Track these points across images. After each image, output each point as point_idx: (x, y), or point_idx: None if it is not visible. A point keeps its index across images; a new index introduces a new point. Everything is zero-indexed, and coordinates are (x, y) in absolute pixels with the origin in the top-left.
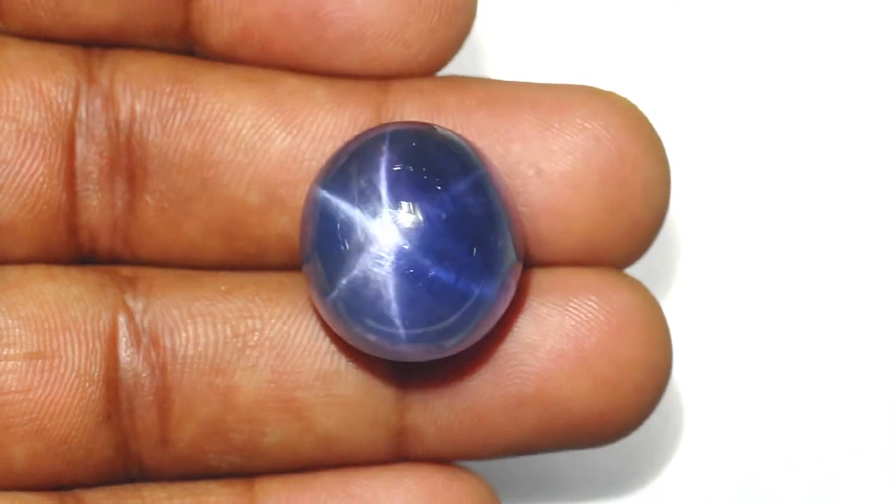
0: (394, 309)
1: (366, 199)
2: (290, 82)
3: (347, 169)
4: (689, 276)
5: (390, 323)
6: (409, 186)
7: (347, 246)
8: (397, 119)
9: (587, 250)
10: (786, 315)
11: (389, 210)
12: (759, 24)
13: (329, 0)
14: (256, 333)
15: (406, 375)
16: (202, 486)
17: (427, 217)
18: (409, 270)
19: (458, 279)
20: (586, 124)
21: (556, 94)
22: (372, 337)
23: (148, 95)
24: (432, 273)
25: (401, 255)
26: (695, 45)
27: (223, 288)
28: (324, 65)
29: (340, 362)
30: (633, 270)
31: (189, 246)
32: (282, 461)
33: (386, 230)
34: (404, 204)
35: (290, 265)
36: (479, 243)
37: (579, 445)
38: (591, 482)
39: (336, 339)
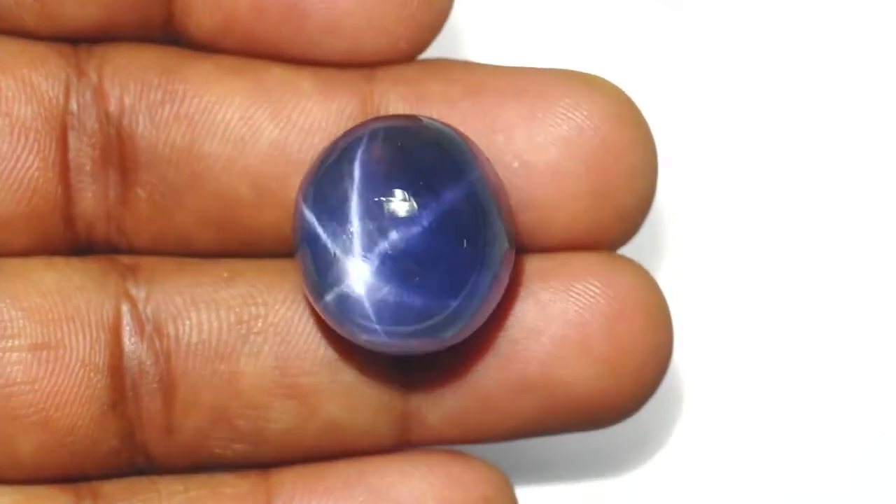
0: (373, 319)
1: (339, 234)
2: (277, 73)
3: (326, 186)
4: (679, 259)
5: (374, 331)
6: (386, 209)
7: (328, 269)
8: (382, 111)
9: (573, 238)
10: (778, 299)
11: (361, 252)
12: (746, 14)
13: None
14: (260, 320)
15: (410, 361)
16: (217, 477)
17: (405, 238)
18: (386, 299)
19: (438, 296)
20: (571, 114)
21: (541, 80)
22: (363, 337)
23: (136, 88)
24: (407, 298)
25: (374, 288)
26: (680, 29)
27: (225, 275)
28: (305, 55)
29: (345, 348)
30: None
31: (183, 236)
32: (287, 449)
33: (357, 268)
34: (378, 233)
35: (284, 253)
36: (470, 243)
37: (582, 427)
38: (591, 465)
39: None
